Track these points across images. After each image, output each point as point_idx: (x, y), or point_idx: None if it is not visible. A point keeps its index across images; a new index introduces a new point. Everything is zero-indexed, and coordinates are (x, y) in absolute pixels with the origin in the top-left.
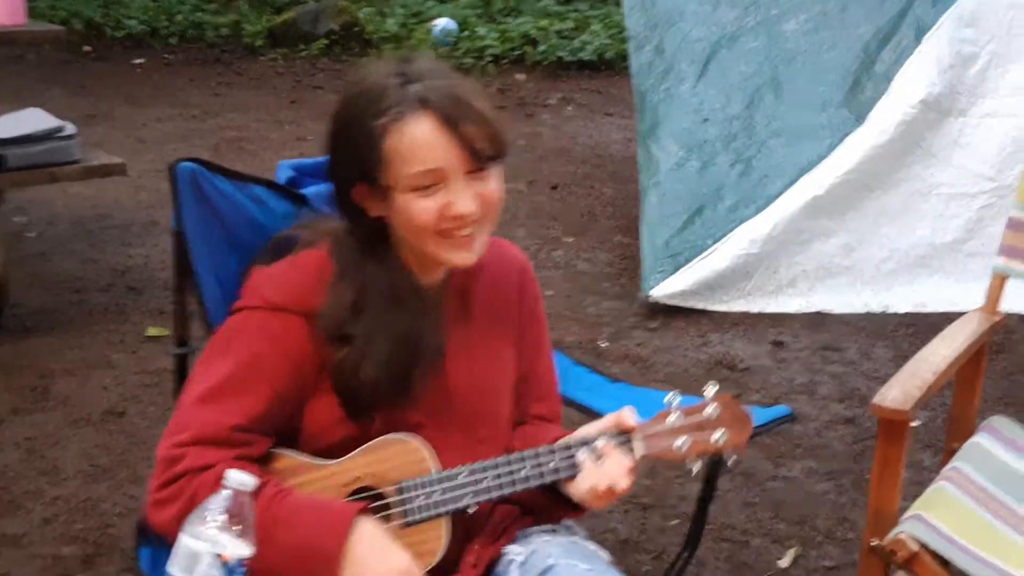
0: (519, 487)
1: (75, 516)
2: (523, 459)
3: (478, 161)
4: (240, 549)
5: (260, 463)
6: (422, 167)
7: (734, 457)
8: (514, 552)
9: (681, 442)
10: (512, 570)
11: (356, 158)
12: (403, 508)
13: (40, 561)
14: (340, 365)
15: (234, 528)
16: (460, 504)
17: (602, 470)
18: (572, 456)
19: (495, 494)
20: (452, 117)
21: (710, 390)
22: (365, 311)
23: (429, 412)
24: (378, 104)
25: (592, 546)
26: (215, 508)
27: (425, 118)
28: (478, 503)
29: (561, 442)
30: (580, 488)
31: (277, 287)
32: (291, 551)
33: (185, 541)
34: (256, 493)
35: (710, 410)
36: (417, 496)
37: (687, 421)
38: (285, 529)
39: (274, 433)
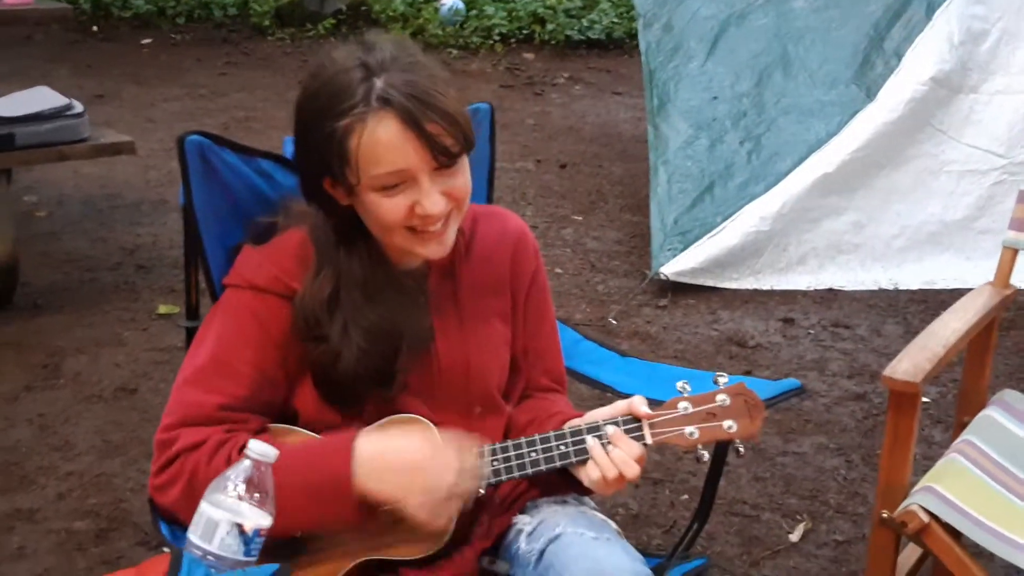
0: (529, 471)
1: (88, 491)
2: (534, 443)
3: (444, 158)
4: (260, 519)
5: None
6: (387, 168)
7: (742, 447)
8: (523, 522)
9: (691, 430)
10: (520, 539)
11: (320, 154)
12: None
13: (54, 536)
14: (318, 361)
15: (254, 497)
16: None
17: (611, 457)
18: (582, 442)
19: (504, 477)
20: (415, 117)
21: (723, 379)
22: (340, 305)
23: (420, 393)
24: (340, 102)
25: (600, 516)
26: (235, 477)
27: (387, 119)
28: (487, 486)
29: (570, 425)
30: (590, 475)
31: (260, 268)
32: (298, 491)
33: (204, 509)
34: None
35: (721, 398)
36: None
37: (698, 409)
38: (286, 473)
39: (268, 413)
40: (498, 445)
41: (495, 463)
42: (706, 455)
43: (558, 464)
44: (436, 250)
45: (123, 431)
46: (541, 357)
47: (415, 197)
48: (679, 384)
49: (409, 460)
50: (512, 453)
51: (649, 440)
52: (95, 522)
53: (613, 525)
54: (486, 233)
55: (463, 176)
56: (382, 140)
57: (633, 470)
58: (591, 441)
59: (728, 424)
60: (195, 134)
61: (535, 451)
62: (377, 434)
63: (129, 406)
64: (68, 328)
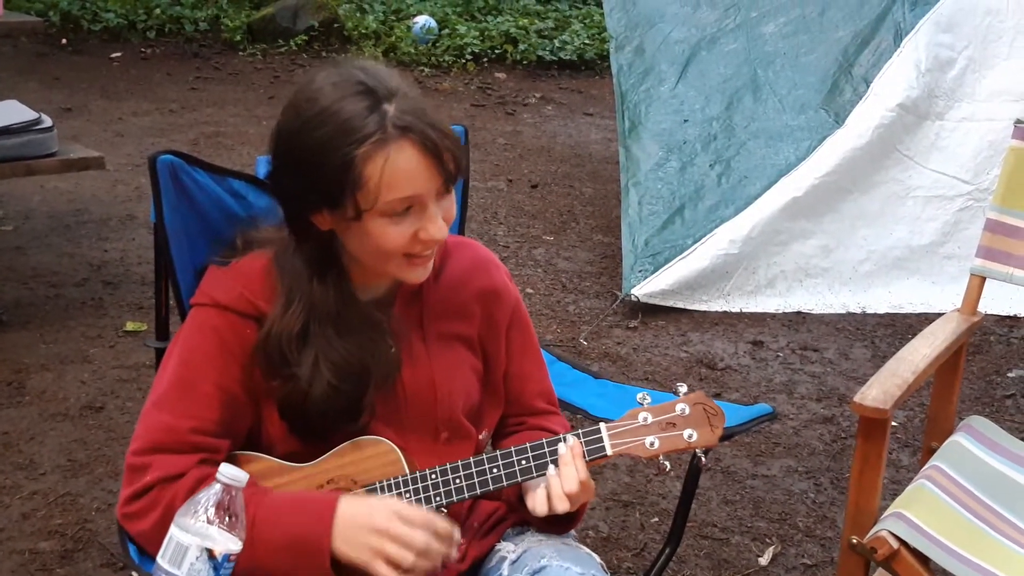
0: (492, 487)
1: (53, 511)
2: (495, 459)
3: (450, 184)
4: (229, 543)
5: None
6: (403, 193)
7: (704, 457)
8: (506, 549)
9: (651, 440)
10: (503, 567)
11: (324, 183)
12: None
13: (18, 556)
14: (287, 398)
15: (224, 522)
16: (431, 505)
17: (557, 472)
18: (543, 455)
19: (467, 494)
20: (434, 145)
21: (682, 388)
22: (310, 340)
23: (387, 419)
24: (354, 130)
25: (586, 550)
26: (205, 501)
27: (408, 146)
28: (450, 503)
29: (532, 444)
30: (537, 499)
31: (225, 287)
32: (278, 546)
33: (174, 533)
34: None
35: (681, 408)
36: (389, 497)
37: (658, 419)
38: (269, 527)
39: (236, 436)
40: (460, 463)
41: (458, 479)
42: (668, 465)
43: (520, 479)
44: (420, 274)
45: (89, 450)
46: (532, 380)
47: (419, 224)
48: (639, 396)
49: (380, 523)
50: (474, 470)
51: (609, 451)
52: (60, 542)
53: (597, 559)
54: (457, 261)
55: (454, 201)
56: (403, 167)
57: (573, 484)
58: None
59: (688, 433)
60: (167, 153)
61: (496, 467)
62: (357, 498)
63: (95, 424)
64: (33, 344)
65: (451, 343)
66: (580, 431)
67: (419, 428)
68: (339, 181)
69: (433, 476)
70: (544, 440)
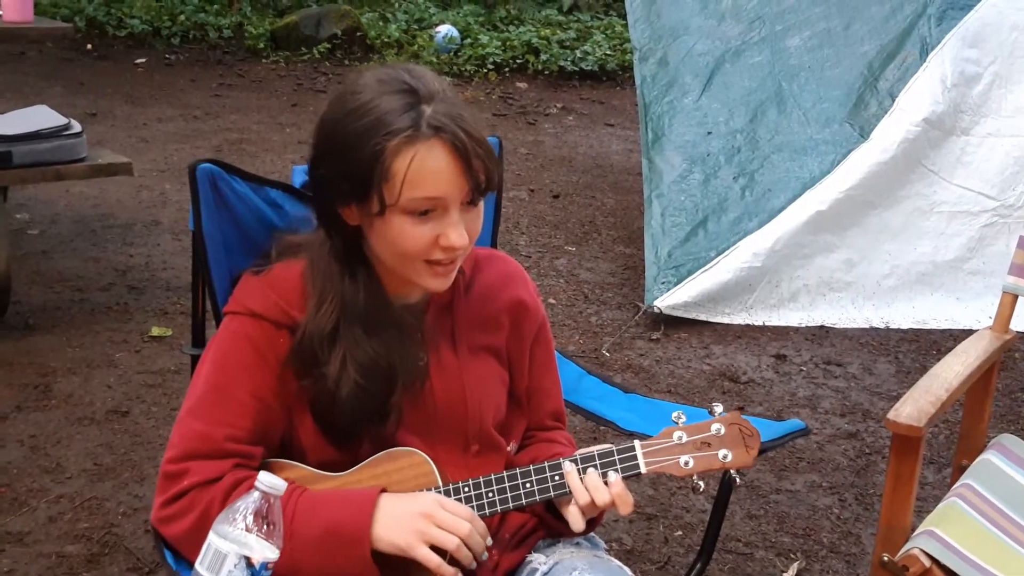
0: (525, 501)
1: (80, 515)
2: (528, 473)
3: (478, 194)
4: (267, 552)
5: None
6: (427, 193)
7: (738, 478)
8: (537, 561)
9: (686, 459)
10: None
11: (355, 173)
12: None
13: (44, 560)
14: (316, 396)
15: (262, 530)
16: None
17: (584, 482)
18: (560, 473)
19: (500, 508)
20: (466, 148)
21: (718, 408)
22: (340, 339)
23: (417, 430)
24: (389, 123)
25: (616, 562)
26: (244, 509)
27: (438, 146)
28: (483, 516)
29: (566, 458)
30: (571, 515)
31: (260, 296)
32: (315, 536)
33: (212, 540)
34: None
35: (716, 428)
36: None
37: (693, 438)
38: (307, 518)
39: (270, 444)
40: (494, 476)
41: (491, 494)
42: (702, 485)
43: (553, 495)
44: (441, 283)
45: (115, 454)
46: (548, 397)
47: (441, 229)
48: (674, 414)
49: (425, 508)
50: (508, 483)
51: (643, 468)
52: (86, 546)
53: (628, 572)
54: (487, 274)
55: (481, 216)
56: (430, 166)
57: (603, 496)
58: (567, 466)
59: (723, 453)
60: (207, 162)
61: (528, 481)
62: (398, 494)
63: (121, 429)
64: (59, 348)
65: (481, 355)
66: (614, 447)
67: (449, 439)
68: (368, 172)
69: (467, 489)
70: (578, 454)
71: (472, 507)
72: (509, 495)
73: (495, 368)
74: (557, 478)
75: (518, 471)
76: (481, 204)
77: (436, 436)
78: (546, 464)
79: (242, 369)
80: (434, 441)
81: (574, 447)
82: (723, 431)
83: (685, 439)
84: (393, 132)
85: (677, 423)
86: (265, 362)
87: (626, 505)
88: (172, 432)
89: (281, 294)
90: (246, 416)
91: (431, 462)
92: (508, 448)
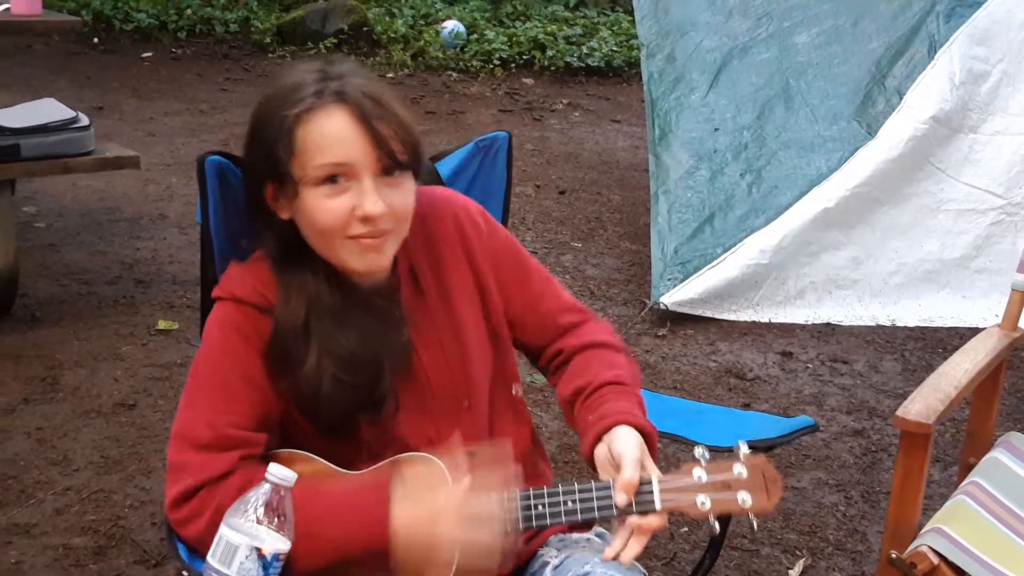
0: (535, 523)
1: (86, 507)
2: (541, 496)
3: (390, 162)
4: (278, 543)
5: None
6: (331, 159)
7: (755, 522)
8: (549, 555)
9: (703, 499)
10: (546, 572)
11: (268, 150)
12: None
13: (52, 551)
14: (297, 397)
15: (272, 523)
16: None
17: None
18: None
19: (522, 526)
20: (367, 114)
21: (743, 448)
22: (312, 335)
23: (412, 408)
24: (294, 96)
25: None
26: (254, 501)
27: (339, 111)
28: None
29: (597, 484)
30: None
31: (241, 282)
32: (335, 508)
33: (224, 533)
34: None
35: (738, 470)
36: None
37: (712, 478)
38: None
39: (270, 429)
40: (532, 491)
41: (538, 506)
42: (717, 526)
43: (580, 518)
44: (373, 260)
45: (122, 447)
46: (545, 299)
47: (356, 200)
48: (697, 450)
49: (443, 497)
50: (547, 500)
51: (659, 506)
52: (93, 539)
53: (641, 568)
54: (431, 219)
55: (407, 194)
56: (329, 131)
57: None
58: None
59: (743, 497)
60: (215, 154)
61: (571, 499)
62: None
63: (128, 422)
64: (66, 341)
65: (460, 305)
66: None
67: (444, 406)
68: (276, 147)
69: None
70: (611, 481)
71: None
72: (533, 512)
73: (469, 313)
74: (591, 501)
75: (531, 492)
76: (406, 181)
77: (431, 408)
78: (560, 488)
79: (231, 354)
80: (433, 414)
81: (610, 334)
82: (745, 473)
83: (705, 479)
84: (297, 102)
85: (700, 460)
86: (252, 346)
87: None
88: (174, 422)
89: (259, 277)
90: (243, 401)
91: (447, 471)
92: (513, 392)
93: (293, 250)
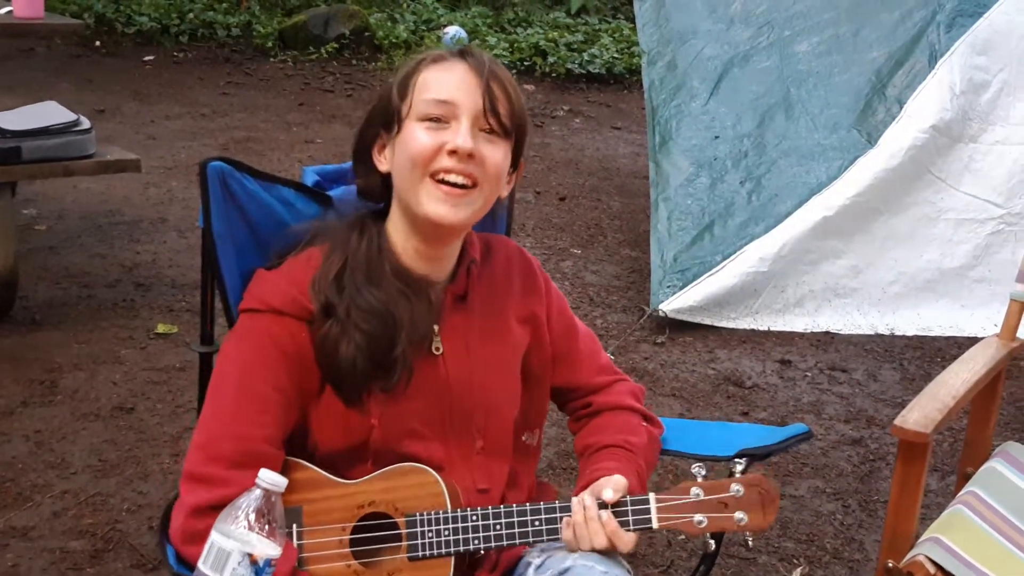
0: (531, 539)
1: (84, 510)
2: (539, 511)
3: (494, 119)
4: (269, 549)
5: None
6: (437, 95)
7: (750, 540)
8: (532, 555)
9: (700, 518)
10: (529, 571)
11: (387, 99)
12: (411, 542)
13: (48, 555)
14: (322, 340)
15: (263, 529)
16: (468, 547)
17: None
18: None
19: (505, 543)
20: (483, 70)
21: (739, 467)
22: (346, 286)
23: (429, 420)
24: (428, 54)
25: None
26: (245, 507)
27: (461, 64)
28: (487, 549)
29: (579, 498)
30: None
31: (279, 292)
32: None
33: (215, 539)
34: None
35: (735, 488)
36: (427, 532)
37: (709, 497)
38: None
39: (286, 439)
40: (504, 508)
41: (499, 527)
42: (713, 544)
43: (531, 540)
44: (446, 212)
45: (120, 451)
46: (587, 358)
47: (449, 138)
48: (694, 467)
49: None
50: (517, 519)
51: (655, 524)
52: (90, 542)
53: (624, 563)
54: (497, 254)
55: (499, 156)
56: (445, 76)
57: (599, 542)
58: (568, 518)
59: (739, 516)
60: (217, 159)
61: (538, 520)
62: None
63: (126, 426)
64: (65, 344)
65: (501, 344)
66: (629, 499)
67: (459, 432)
68: (398, 91)
69: (475, 518)
70: (591, 498)
71: (478, 538)
72: (517, 531)
73: (510, 357)
74: (536, 524)
75: (528, 507)
76: (505, 147)
77: (448, 430)
78: (557, 504)
79: (268, 368)
80: (447, 436)
81: (638, 399)
82: (742, 492)
83: (702, 496)
84: (423, 59)
85: (697, 478)
86: (289, 359)
87: (624, 544)
88: (196, 432)
89: (299, 287)
90: (271, 412)
91: (442, 484)
92: (524, 438)
93: (368, 222)
